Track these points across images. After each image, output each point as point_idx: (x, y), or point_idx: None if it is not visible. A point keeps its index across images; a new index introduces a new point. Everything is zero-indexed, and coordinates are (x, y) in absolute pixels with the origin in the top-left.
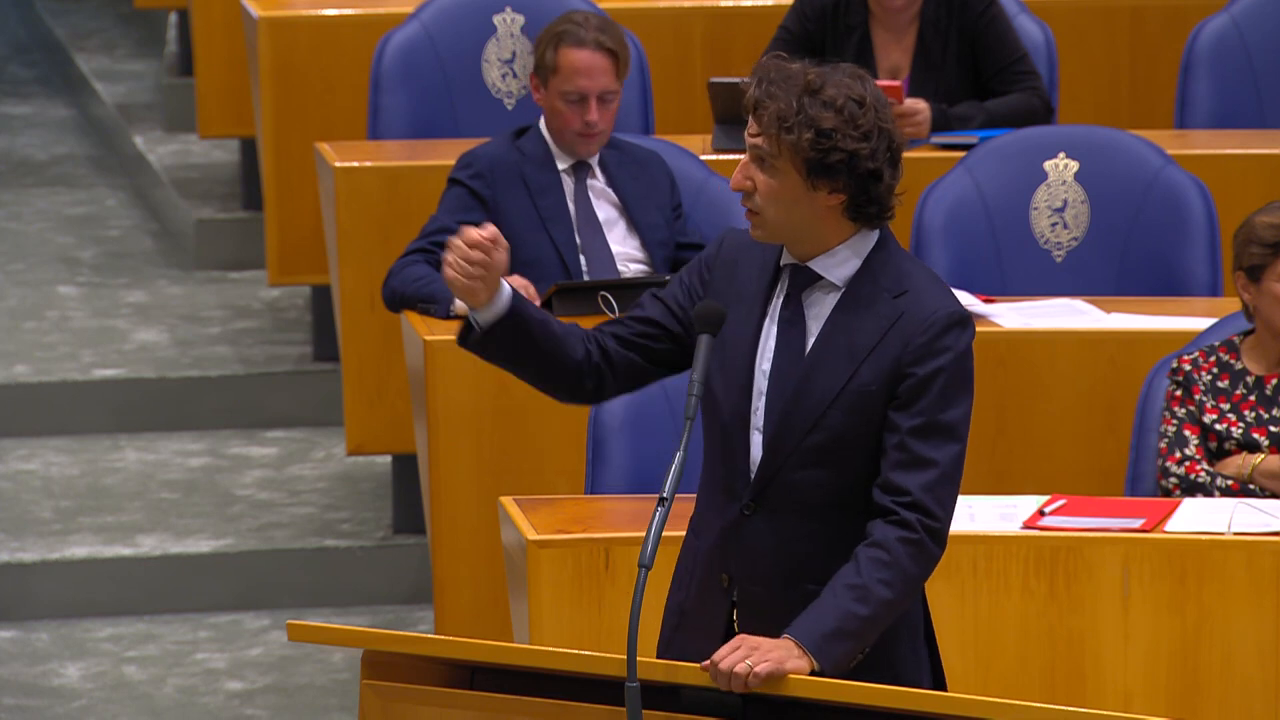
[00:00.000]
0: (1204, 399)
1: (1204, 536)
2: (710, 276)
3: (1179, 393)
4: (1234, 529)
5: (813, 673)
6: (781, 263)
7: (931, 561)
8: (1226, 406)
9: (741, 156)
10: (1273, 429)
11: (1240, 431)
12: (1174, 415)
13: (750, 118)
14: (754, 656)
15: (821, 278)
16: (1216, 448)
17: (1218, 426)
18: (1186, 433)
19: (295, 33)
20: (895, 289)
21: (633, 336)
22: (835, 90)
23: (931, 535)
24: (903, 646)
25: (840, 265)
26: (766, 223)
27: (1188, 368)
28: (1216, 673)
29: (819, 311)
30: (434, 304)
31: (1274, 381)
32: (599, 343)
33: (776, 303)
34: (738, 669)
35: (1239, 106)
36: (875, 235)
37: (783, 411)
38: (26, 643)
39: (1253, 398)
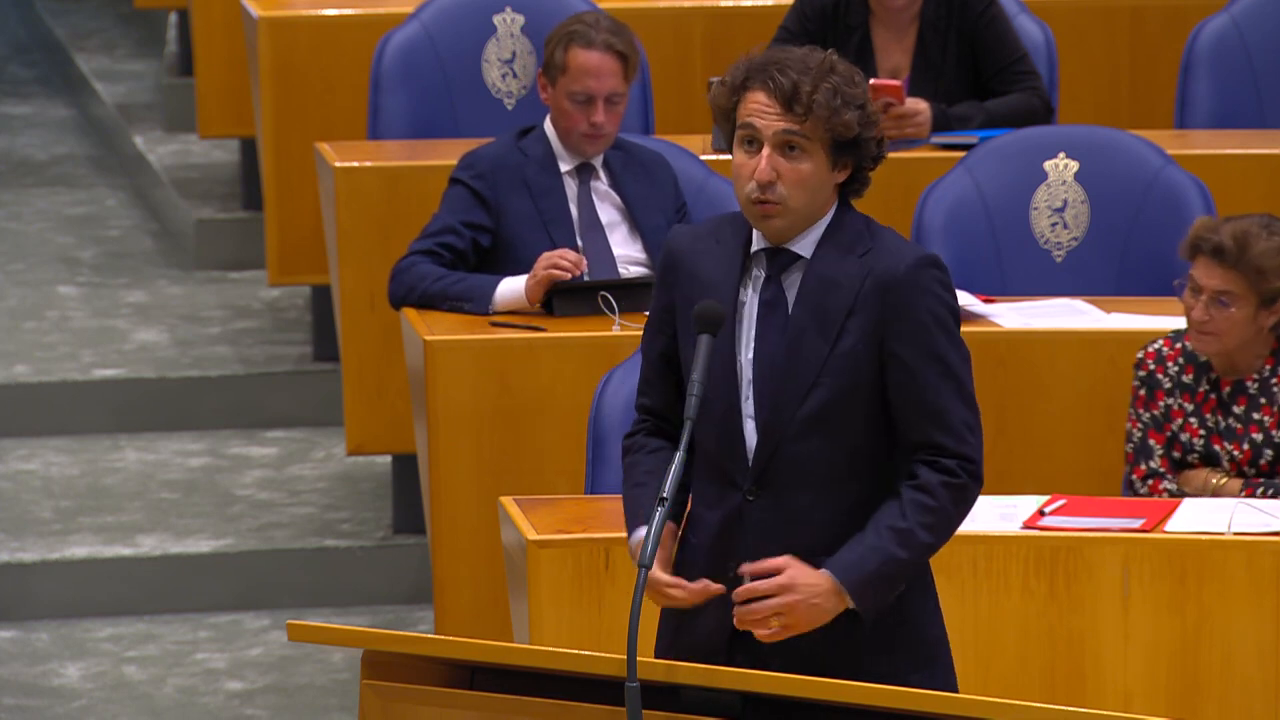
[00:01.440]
0: (1170, 401)
1: (1204, 536)
2: (672, 278)
3: (1143, 392)
4: (1234, 529)
5: (847, 611)
6: (754, 248)
7: (973, 501)
8: (1190, 408)
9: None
10: (1228, 445)
11: (1201, 443)
12: (1139, 419)
13: (778, 107)
14: (783, 615)
15: (799, 256)
16: (1180, 458)
17: (1181, 436)
18: (1151, 442)
19: (295, 33)
20: (859, 248)
21: (673, 390)
22: (844, 66)
23: (973, 478)
24: (920, 611)
25: (811, 239)
26: (790, 210)
27: (1152, 364)
28: (1216, 673)
29: (794, 286)
30: (469, 302)
31: (1228, 389)
32: (671, 418)
33: (751, 288)
34: (755, 625)
35: (1239, 106)
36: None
37: (773, 390)
38: (26, 643)
39: (1214, 397)
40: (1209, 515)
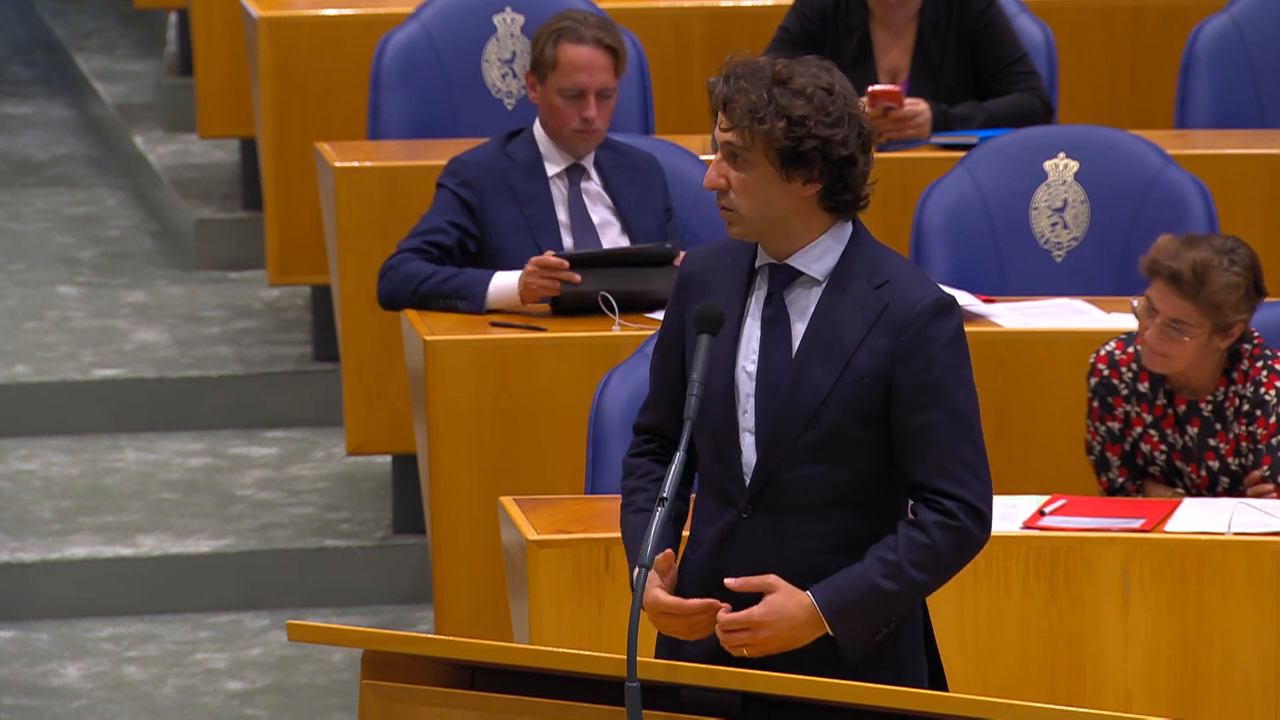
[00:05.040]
0: (1128, 408)
1: (1204, 536)
2: (685, 294)
3: (1096, 403)
4: (1234, 529)
5: (825, 638)
6: (757, 264)
7: (974, 547)
8: (1149, 419)
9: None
10: (1186, 465)
11: (1163, 458)
12: (1096, 431)
13: (720, 114)
14: (755, 645)
15: (802, 273)
16: (1143, 466)
17: (1143, 446)
18: (1109, 455)
19: (295, 33)
20: (876, 279)
21: (677, 410)
22: (804, 79)
23: (975, 521)
24: (905, 645)
25: (819, 259)
26: (743, 219)
27: (1105, 369)
28: (1216, 673)
29: (802, 307)
30: (463, 300)
31: (1183, 408)
32: (672, 437)
33: (755, 303)
34: (732, 648)
35: (1239, 106)
36: (850, 227)
37: (776, 410)
38: (26, 643)
39: (1171, 413)
40: (1209, 515)
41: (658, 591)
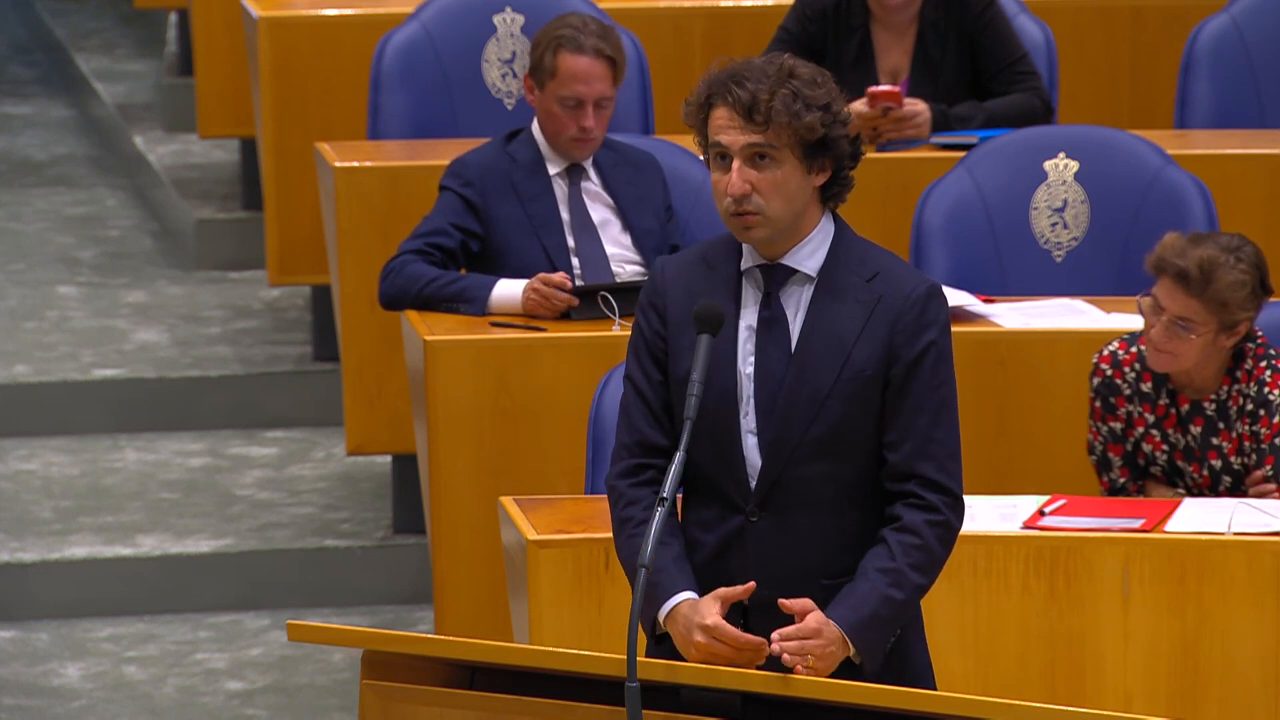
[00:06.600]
0: (1131, 408)
1: (1204, 536)
2: (665, 304)
3: (1099, 404)
4: (1234, 529)
5: (847, 659)
6: (744, 266)
7: (955, 536)
8: (1152, 419)
9: None
10: (1188, 465)
11: (1165, 458)
12: (1099, 430)
13: (740, 120)
14: (819, 654)
15: (796, 271)
16: (1144, 466)
17: (1144, 446)
18: (1111, 455)
19: (295, 33)
20: (865, 272)
21: (663, 419)
22: (805, 69)
23: (954, 512)
24: (910, 641)
25: (810, 256)
26: (771, 219)
27: (1108, 369)
28: (1216, 673)
29: (797, 305)
30: (466, 303)
31: (1186, 407)
32: (659, 447)
33: (748, 305)
34: (791, 661)
35: (1239, 106)
36: (833, 222)
37: (780, 410)
38: (26, 643)
39: (1174, 413)
40: (1209, 515)
41: (718, 617)
